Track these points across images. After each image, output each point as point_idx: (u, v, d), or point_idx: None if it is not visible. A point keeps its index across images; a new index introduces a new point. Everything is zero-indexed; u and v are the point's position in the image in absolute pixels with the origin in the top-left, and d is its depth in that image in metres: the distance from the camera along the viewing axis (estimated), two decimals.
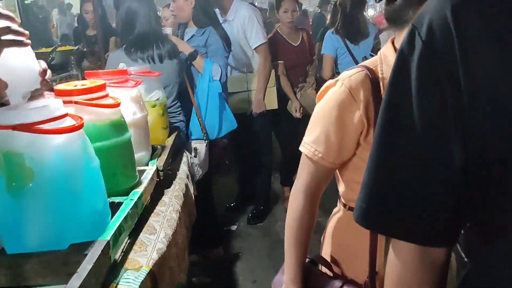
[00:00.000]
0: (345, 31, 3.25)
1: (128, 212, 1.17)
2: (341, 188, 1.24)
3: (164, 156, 1.79)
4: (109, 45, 3.98)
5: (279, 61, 3.44)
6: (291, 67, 3.47)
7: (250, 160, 3.57)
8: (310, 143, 1.13)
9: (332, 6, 4.95)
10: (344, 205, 1.23)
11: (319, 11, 8.72)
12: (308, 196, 1.16)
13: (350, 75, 1.09)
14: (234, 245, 3.29)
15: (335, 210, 1.30)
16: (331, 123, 1.09)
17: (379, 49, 3.31)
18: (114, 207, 1.20)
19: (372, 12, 10.56)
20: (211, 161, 2.78)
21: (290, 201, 1.20)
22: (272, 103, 3.34)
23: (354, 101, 1.06)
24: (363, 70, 1.08)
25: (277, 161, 3.83)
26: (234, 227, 3.52)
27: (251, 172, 3.61)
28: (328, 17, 4.91)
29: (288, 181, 3.75)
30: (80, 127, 1.01)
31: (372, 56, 3.28)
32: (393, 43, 1.09)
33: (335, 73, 3.47)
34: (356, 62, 3.31)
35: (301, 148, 1.15)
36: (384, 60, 1.09)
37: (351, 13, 3.22)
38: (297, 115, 3.40)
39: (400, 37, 1.05)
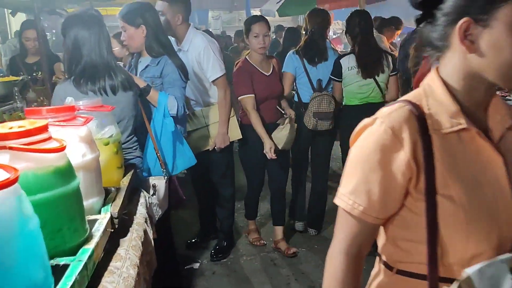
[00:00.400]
0: (305, 53, 3.40)
1: (76, 278, 0.99)
2: (383, 243, 1.02)
3: (119, 200, 1.60)
4: (54, 72, 3.77)
5: (248, 95, 3.07)
6: (263, 99, 3.14)
7: (211, 193, 3.40)
8: (348, 195, 0.94)
9: (285, 32, 5.01)
10: (389, 267, 1.00)
11: (274, 37, 8.77)
12: (350, 258, 0.97)
13: (391, 112, 0.92)
14: (197, 284, 3.08)
15: (373, 272, 1.07)
16: (372, 169, 0.91)
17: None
18: (59, 271, 1.02)
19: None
20: (170, 195, 2.61)
21: (327, 265, 1.01)
22: (235, 134, 3.20)
23: (399, 142, 0.89)
24: (406, 106, 0.92)
25: (242, 191, 3.66)
26: (196, 265, 3.31)
27: (213, 205, 3.43)
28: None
29: (253, 214, 3.59)
30: (14, 181, 0.84)
31: (333, 78, 3.32)
32: (437, 72, 0.95)
33: (295, 92, 3.53)
34: (311, 83, 3.37)
35: (336, 201, 0.97)
36: (430, 93, 0.93)
37: (312, 37, 3.39)
38: (272, 156, 3.07)
39: (445, 65, 0.93)
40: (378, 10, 5.67)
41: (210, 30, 10.19)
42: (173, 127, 2.45)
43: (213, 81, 3.05)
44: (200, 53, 3.01)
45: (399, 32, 5.52)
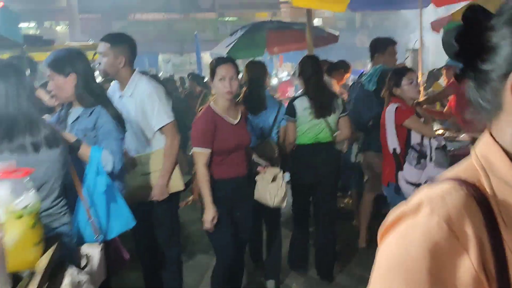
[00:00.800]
0: (245, 103, 3.36)
1: None
2: None
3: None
4: None
5: (202, 149, 2.66)
6: (231, 150, 2.74)
7: (155, 253, 3.05)
8: None
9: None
10: None
11: None
12: None
13: (443, 196, 0.63)
14: None
15: None
16: (419, 281, 0.61)
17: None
18: None
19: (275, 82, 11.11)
20: (111, 256, 2.29)
21: None
22: (176, 184, 2.90)
23: (458, 243, 0.60)
24: (462, 187, 0.63)
25: (189, 248, 3.33)
26: None
27: (158, 267, 3.07)
28: None
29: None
30: None
31: (288, 118, 3.30)
32: (493, 139, 0.67)
33: None
34: (254, 132, 3.36)
35: None
36: (490, 168, 0.65)
37: (251, 87, 3.51)
38: (210, 227, 2.65)
39: (501, 131, 0.67)
40: (326, 53, 5.78)
41: (158, 74, 9.96)
42: (104, 187, 2.14)
43: (159, 129, 2.80)
44: (144, 100, 2.76)
45: (348, 75, 5.55)
